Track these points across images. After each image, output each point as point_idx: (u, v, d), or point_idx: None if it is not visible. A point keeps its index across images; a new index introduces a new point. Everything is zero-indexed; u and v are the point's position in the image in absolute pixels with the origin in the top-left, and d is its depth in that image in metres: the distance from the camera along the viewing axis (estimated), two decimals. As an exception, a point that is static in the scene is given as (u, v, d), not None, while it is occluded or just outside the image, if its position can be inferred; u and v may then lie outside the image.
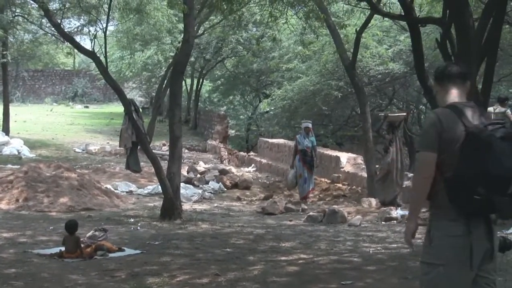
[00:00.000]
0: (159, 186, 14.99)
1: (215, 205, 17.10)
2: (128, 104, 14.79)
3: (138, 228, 12.54)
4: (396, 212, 14.33)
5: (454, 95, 4.76)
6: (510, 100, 16.60)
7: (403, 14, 10.51)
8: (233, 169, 23.93)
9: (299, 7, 19.87)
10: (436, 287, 4.62)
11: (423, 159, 4.64)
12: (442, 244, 4.58)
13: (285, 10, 19.30)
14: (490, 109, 14.52)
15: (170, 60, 25.66)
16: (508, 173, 4.36)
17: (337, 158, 20.73)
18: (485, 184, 4.39)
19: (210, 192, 18.97)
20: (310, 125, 18.12)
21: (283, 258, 9.27)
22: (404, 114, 16.89)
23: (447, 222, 4.57)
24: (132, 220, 13.55)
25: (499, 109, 14.94)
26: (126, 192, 18.20)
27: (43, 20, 23.80)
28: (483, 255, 4.53)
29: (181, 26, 23.16)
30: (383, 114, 18.42)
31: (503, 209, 4.49)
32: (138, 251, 9.87)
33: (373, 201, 16.11)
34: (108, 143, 30.24)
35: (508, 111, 15.20)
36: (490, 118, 4.59)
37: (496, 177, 4.37)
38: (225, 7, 16.23)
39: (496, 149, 4.39)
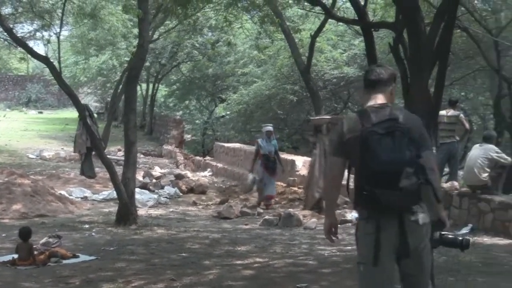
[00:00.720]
0: (114, 192, 14.89)
1: (171, 210, 17.05)
2: (83, 109, 14.69)
3: (93, 234, 12.46)
4: (351, 215, 14.41)
5: (371, 99, 4.91)
6: (460, 102, 16.77)
7: (356, 18, 10.57)
8: (189, 174, 23.89)
9: (254, 12, 19.91)
10: (361, 286, 4.76)
11: (328, 163, 4.99)
12: (361, 243, 4.74)
13: (240, 14, 19.34)
14: (443, 112, 14.66)
15: (125, 65, 25.53)
16: (387, 167, 4.47)
17: (293, 161, 20.79)
18: (369, 179, 4.54)
19: (166, 197, 18.91)
20: (271, 129, 18.02)
21: (238, 262, 9.28)
22: (329, 117, 17.06)
23: (362, 221, 4.71)
24: (87, 226, 13.45)
25: (451, 112, 15.09)
26: (81, 198, 18.06)
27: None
28: (396, 252, 4.61)
29: (136, 31, 23.09)
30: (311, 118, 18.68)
31: (390, 203, 4.54)
32: (92, 257, 9.81)
33: (328, 205, 16.14)
34: (62, 149, 29.92)
35: (461, 114, 15.36)
36: (395, 116, 4.65)
37: (376, 171, 4.50)
38: (180, 12, 16.23)
39: (374, 144, 4.52)
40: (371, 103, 4.88)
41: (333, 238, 5.05)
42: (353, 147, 4.63)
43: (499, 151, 13.01)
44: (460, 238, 4.83)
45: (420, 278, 4.74)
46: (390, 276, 4.68)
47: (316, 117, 17.64)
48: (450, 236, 4.82)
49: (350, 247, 10.67)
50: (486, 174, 12.53)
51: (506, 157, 13.16)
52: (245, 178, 18.91)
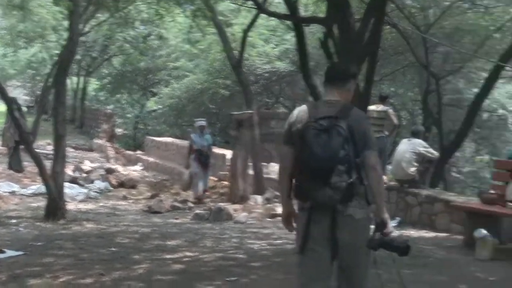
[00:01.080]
0: (43, 186, 14.67)
1: (101, 204, 16.89)
2: (10, 102, 14.43)
3: (20, 229, 12.23)
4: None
5: (327, 94, 5.04)
6: (390, 98, 16.98)
7: (288, 13, 10.63)
8: (120, 168, 23.72)
9: (186, 6, 19.84)
10: (297, 274, 4.93)
11: (282, 152, 4.97)
12: (297, 233, 4.92)
13: (172, 8, 19.25)
14: (372, 107, 14.83)
15: (56, 58, 25.16)
16: (319, 163, 4.59)
17: (223, 156, 20.81)
18: (301, 172, 4.71)
19: (96, 192, 18.72)
20: (204, 124, 17.95)
21: (168, 256, 9.23)
22: (250, 112, 17.65)
23: (299, 212, 4.86)
24: (14, 221, 13.20)
25: (381, 107, 15.27)
26: (9, 192, 17.68)
27: None
28: (326, 244, 4.73)
29: (66, 23, 22.75)
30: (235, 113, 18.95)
31: (317, 198, 4.67)
32: (19, 253, 9.61)
33: (259, 198, 16.27)
34: (-10, 142, 29.35)
35: (390, 110, 15.54)
36: (344, 112, 4.75)
37: (308, 165, 4.64)
38: (111, 5, 16.07)
39: (310, 139, 4.64)
40: (326, 97, 5.03)
41: (290, 227, 5.07)
42: (296, 138, 4.76)
43: (426, 145, 13.25)
44: (400, 243, 4.88)
45: (355, 272, 4.83)
46: (321, 268, 4.80)
47: (238, 112, 17.91)
48: (390, 239, 4.85)
49: (280, 241, 10.74)
50: (414, 169, 12.75)
51: (433, 151, 13.41)
52: (180, 174, 18.74)
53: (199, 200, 16.83)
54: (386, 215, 4.83)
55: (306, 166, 4.67)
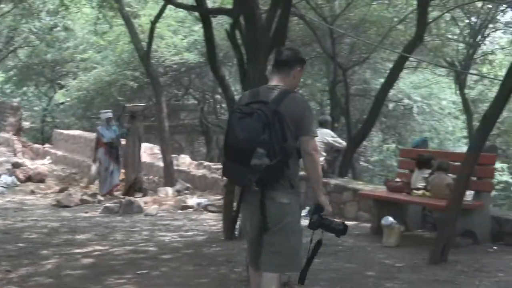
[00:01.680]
0: None
1: (8, 199, 16.54)
2: None
3: None
4: (192, 200, 14.52)
5: (271, 79, 5.18)
6: (299, 88, 17.12)
7: (195, 5, 10.62)
8: (28, 162, 23.28)
9: (92, -4, 19.61)
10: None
11: None
12: None
13: (78, -1, 19.01)
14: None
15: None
16: (238, 144, 4.78)
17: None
18: (225, 153, 4.99)
19: (2, 187, 18.35)
20: (111, 115, 17.63)
21: (78, 250, 9.13)
22: (143, 105, 17.63)
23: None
24: None
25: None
26: None
27: None
28: (256, 224, 4.99)
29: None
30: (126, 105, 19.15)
31: (236, 178, 5.07)
32: None
33: (170, 190, 16.26)
34: None
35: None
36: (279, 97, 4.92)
37: (230, 147, 4.90)
38: (14, -5, 15.75)
39: (233, 122, 4.86)
40: (269, 83, 5.17)
41: None
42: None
43: (334, 135, 13.44)
44: (338, 224, 5.09)
45: (283, 254, 4.95)
46: (254, 245, 5.12)
47: (131, 104, 17.99)
48: (328, 221, 5.06)
49: (191, 233, 10.77)
50: (322, 158, 12.91)
51: (341, 141, 13.61)
52: (87, 168, 18.45)
53: (110, 195, 16.61)
54: (323, 198, 5.07)
55: (229, 148, 4.90)
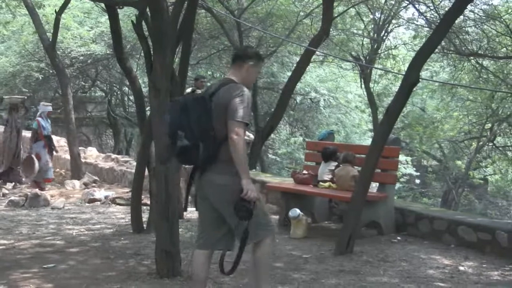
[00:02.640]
0: None
1: None
2: None
3: None
4: (100, 194, 14.40)
5: (228, 73, 5.73)
6: (208, 80, 17.09)
7: (101, -5, 10.54)
8: None
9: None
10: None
11: None
12: None
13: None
14: (188, 90, 14.97)
15: None
16: (167, 129, 5.38)
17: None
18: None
19: None
20: (51, 108, 17.16)
21: (-19, 245, 8.99)
22: (23, 97, 18.73)
23: None
24: None
25: (191, 89, 15.44)
26: None
27: None
28: (202, 201, 5.58)
29: None
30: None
31: (167, 159, 6.18)
32: None
33: (77, 183, 16.10)
34: None
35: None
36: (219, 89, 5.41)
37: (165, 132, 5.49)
38: None
39: (169, 110, 5.50)
40: (226, 76, 5.72)
41: None
42: None
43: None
44: (243, 209, 5.23)
45: (236, 230, 5.40)
46: (205, 221, 5.62)
47: (10, 97, 18.07)
48: (241, 203, 5.22)
49: (98, 226, 10.71)
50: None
51: (249, 134, 13.76)
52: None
53: (38, 187, 16.07)
54: (244, 181, 5.20)
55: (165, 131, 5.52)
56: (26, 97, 18.93)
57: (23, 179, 16.96)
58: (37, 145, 16.49)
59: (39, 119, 16.70)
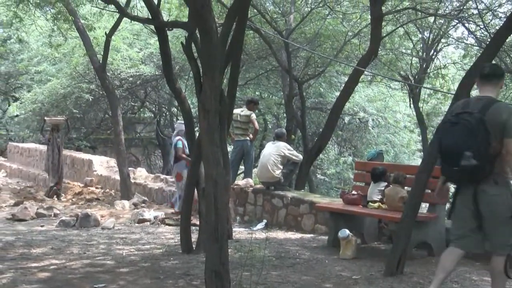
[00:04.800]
0: None
1: (-39, 214, 16.32)
2: None
3: None
4: (149, 214, 14.48)
5: (480, 90, 6.26)
6: (258, 103, 17.01)
7: (150, 18, 10.63)
8: (-19, 176, 23.02)
9: (47, 9, 19.45)
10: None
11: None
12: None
13: (32, 11, 18.83)
14: (237, 111, 15.03)
15: None
16: (448, 149, 6.02)
17: (90, 161, 20.59)
18: (441, 156, 6.27)
19: (-45, 201, 18.08)
20: None
21: (34, 264, 9.05)
22: (63, 119, 19.80)
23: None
24: None
25: (245, 111, 15.46)
26: None
27: None
28: (471, 214, 6.12)
29: None
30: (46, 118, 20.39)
31: (450, 176, 6.41)
32: None
33: (127, 204, 16.21)
34: None
35: (253, 115, 15.68)
36: (479, 107, 5.98)
37: (443, 152, 6.15)
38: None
39: (443, 131, 6.17)
40: (479, 93, 6.23)
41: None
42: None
43: (290, 148, 13.54)
44: None
45: (495, 237, 6.12)
46: (466, 226, 6.26)
47: (51, 118, 18.99)
48: None
49: (148, 246, 10.75)
50: (279, 171, 13.00)
51: (297, 154, 13.72)
52: (45, 181, 17.99)
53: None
54: None
55: (442, 152, 6.17)
56: (66, 118, 19.77)
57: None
58: (179, 165, 15.82)
59: (178, 138, 15.25)
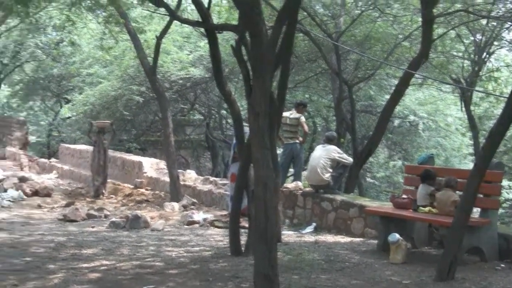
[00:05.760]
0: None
1: (14, 213, 16.51)
2: None
3: None
4: (198, 216, 14.53)
5: None
6: (306, 106, 16.95)
7: (200, 20, 10.68)
8: (34, 176, 23.28)
9: (98, 12, 19.66)
10: None
11: None
12: None
13: (84, 14, 19.05)
14: (286, 114, 15.01)
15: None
16: None
17: (140, 163, 20.74)
18: None
19: (9, 200, 18.30)
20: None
21: (84, 265, 9.14)
22: (109, 122, 20.80)
23: None
24: None
25: (294, 114, 15.44)
26: None
27: None
28: None
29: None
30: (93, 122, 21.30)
31: None
32: None
33: (176, 206, 16.28)
34: None
35: (302, 117, 15.64)
36: None
37: None
38: (21, 10, 15.76)
39: None
40: None
41: None
42: None
43: (340, 151, 13.47)
44: None
45: None
46: None
47: (99, 121, 20.58)
48: None
49: (197, 248, 10.78)
50: (329, 174, 12.94)
51: (347, 157, 13.64)
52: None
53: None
54: None
55: None
56: (111, 122, 20.46)
57: None
58: (235, 166, 15.44)
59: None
